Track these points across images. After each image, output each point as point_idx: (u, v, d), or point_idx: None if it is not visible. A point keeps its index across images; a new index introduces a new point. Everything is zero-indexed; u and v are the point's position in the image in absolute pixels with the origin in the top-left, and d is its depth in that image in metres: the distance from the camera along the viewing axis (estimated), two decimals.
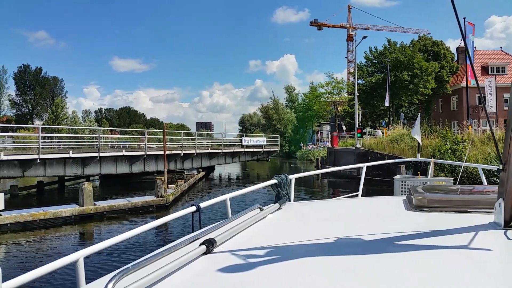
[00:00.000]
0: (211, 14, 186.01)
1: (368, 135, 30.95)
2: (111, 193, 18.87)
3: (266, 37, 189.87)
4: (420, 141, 6.98)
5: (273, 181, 2.87)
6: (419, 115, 8.91)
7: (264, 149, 30.97)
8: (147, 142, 21.66)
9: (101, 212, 13.56)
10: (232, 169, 38.75)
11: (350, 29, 70.96)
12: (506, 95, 32.86)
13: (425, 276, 1.15)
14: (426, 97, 39.71)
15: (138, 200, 15.06)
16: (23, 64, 68.75)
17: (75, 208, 13.14)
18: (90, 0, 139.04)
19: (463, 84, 38.15)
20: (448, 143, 20.47)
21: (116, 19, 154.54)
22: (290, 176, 3.04)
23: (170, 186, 18.09)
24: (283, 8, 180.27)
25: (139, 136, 25.83)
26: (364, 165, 4.57)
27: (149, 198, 15.40)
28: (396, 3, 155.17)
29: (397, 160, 7.38)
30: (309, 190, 22.66)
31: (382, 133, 29.45)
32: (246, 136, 32.52)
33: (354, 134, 29.73)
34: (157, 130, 47.97)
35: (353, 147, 27.22)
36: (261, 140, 31.57)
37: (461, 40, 37.19)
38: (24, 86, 67.92)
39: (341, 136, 39.52)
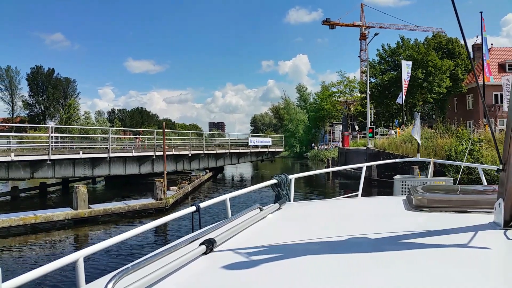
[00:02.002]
0: (224, 15, 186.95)
1: (380, 135, 30.32)
2: (116, 194, 18.63)
3: (278, 38, 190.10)
4: (419, 141, 6.95)
5: (273, 181, 2.85)
6: (419, 115, 8.74)
7: (269, 150, 30.85)
8: (157, 142, 21.61)
9: (96, 216, 13.10)
10: (242, 170, 38.56)
11: (363, 28, 70.13)
12: None
13: (425, 275, 1.14)
14: (441, 96, 38.73)
15: (136, 203, 14.52)
16: (35, 65, 69.89)
17: (68, 211, 12.68)
18: (105, 1, 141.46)
19: (479, 82, 37.14)
20: (464, 143, 19.82)
21: (130, 20, 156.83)
22: (290, 176, 3.04)
23: (171, 188, 17.58)
24: (296, 9, 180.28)
25: (147, 136, 25.77)
26: (364, 165, 4.57)
27: (148, 201, 14.87)
28: (410, 3, 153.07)
29: (397, 160, 7.32)
30: (320, 191, 22.46)
31: (395, 132, 28.79)
32: (253, 136, 32.42)
33: (366, 134, 29.16)
34: (168, 131, 48.29)
35: (365, 148, 26.69)
36: (267, 140, 31.50)
37: (476, 37, 36.17)
38: (37, 87, 68.82)
39: (353, 136, 38.91)
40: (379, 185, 19.83)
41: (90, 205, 13.30)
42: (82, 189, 12.96)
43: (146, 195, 17.03)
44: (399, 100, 31.65)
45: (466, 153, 12.45)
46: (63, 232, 11.95)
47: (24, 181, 20.55)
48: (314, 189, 23.61)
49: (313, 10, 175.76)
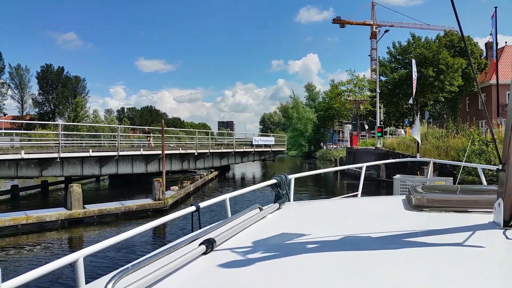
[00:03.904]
0: (234, 14, 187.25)
1: (390, 134, 29.96)
2: (119, 194, 18.47)
3: (289, 37, 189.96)
4: (419, 141, 6.97)
5: (273, 181, 2.83)
6: (418, 115, 8.68)
7: (272, 149, 30.92)
8: (165, 141, 21.59)
9: (91, 217, 12.72)
10: (250, 169, 38.51)
11: (374, 27, 69.49)
12: None
13: (425, 275, 1.14)
14: (453, 95, 38.07)
15: (132, 203, 14.12)
16: (45, 64, 70.61)
17: (62, 212, 12.32)
18: (117, 1, 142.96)
19: (492, 81, 36.40)
20: (476, 143, 19.38)
21: (142, 20, 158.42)
22: (289, 176, 3.04)
23: (172, 188, 17.21)
24: (307, 8, 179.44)
25: (151, 135, 25.87)
26: (364, 165, 4.57)
27: (145, 202, 14.48)
28: (422, 2, 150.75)
29: (397, 160, 7.34)
30: (330, 190, 22.34)
31: (405, 132, 28.39)
32: (259, 135, 32.59)
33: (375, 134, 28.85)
34: (175, 129, 48.63)
35: (373, 147, 26.39)
36: (270, 139, 31.71)
37: (490, 35, 35.39)
38: (46, 86, 69.48)
39: (362, 136, 38.55)
40: (388, 186, 19.56)
41: (85, 205, 12.94)
42: (76, 189, 12.60)
43: (150, 195, 17.04)
44: (411, 101, 31.22)
45: (466, 153, 12.20)
46: (56, 233, 11.55)
47: (32, 180, 20.18)
48: (324, 188, 23.53)
49: (324, 9, 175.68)
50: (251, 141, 29.70)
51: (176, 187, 17.65)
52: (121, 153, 18.10)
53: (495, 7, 22.34)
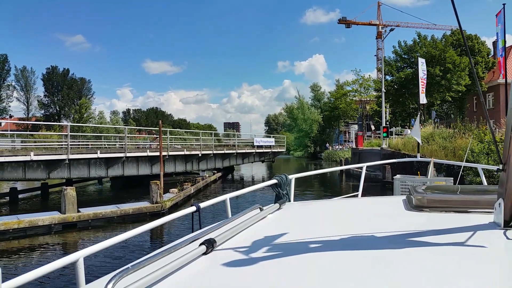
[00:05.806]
0: (241, 16, 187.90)
1: (395, 134, 29.77)
2: (120, 196, 18.34)
3: (295, 38, 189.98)
4: (419, 141, 6.98)
5: (273, 181, 2.84)
6: (418, 115, 8.64)
7: (272, 150, 30.98)
8: (170, 142, 21.69)
9: (86, 220, 12.41)
10: (255, 170, 38.45)
11: (380, 27, 69.19)
12: None
13: (425, 276, 1.14)
14: (460, 94, 37.68)
15: (129, 207, 13.72)
16: (51, 66, 70.93)
17: (55, 216, 12.01)
18: (123, 4, 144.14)
19: (500, 80, 36.01)
20: (485, 143, 19.16)
21: (148, 22, 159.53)
22: (290, 176, 3.04)
23: (171, 190, 16.89)
24: (313, 9, 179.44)
25: (156, 136, 26.01)
26: (364, 165, 4.58)
27: (142, 205, 14.11)
28: (429, 2, 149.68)
29: (397, 160, 7.32)
30: (335, 191, 22.34)
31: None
32: (264, 136, 32.65)
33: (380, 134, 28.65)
34: (182, 130, 48.83)
35: (379, 148, 26.23)
36: (270, 140, 31.81)
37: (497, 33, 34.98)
38: (52, 87, 69.68)
39: (367, 136, 38.35)
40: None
41: (79, 209, 12.68)
42: (70, 192, 12.37)
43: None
44: (423, 101, 30.72)
45: (466, 153, 12.08)
46: (49, 237, 11.25)
47: (39, 182, 19.98)
48: (329, 188, 23.49)
49: (331, 10, 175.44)
50: (252, 142, 29.79)
51: (175, 190, 17.25)
52: (128, 154, 18.01)
53: (504, 4, 22.02)
